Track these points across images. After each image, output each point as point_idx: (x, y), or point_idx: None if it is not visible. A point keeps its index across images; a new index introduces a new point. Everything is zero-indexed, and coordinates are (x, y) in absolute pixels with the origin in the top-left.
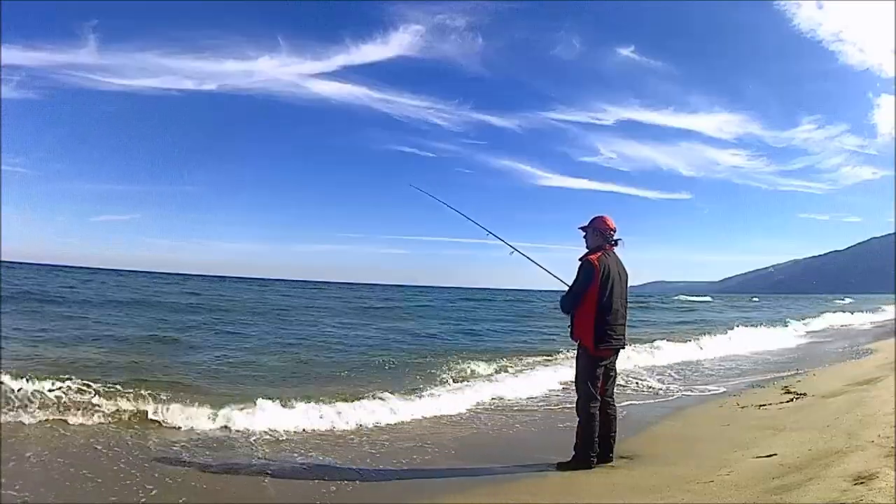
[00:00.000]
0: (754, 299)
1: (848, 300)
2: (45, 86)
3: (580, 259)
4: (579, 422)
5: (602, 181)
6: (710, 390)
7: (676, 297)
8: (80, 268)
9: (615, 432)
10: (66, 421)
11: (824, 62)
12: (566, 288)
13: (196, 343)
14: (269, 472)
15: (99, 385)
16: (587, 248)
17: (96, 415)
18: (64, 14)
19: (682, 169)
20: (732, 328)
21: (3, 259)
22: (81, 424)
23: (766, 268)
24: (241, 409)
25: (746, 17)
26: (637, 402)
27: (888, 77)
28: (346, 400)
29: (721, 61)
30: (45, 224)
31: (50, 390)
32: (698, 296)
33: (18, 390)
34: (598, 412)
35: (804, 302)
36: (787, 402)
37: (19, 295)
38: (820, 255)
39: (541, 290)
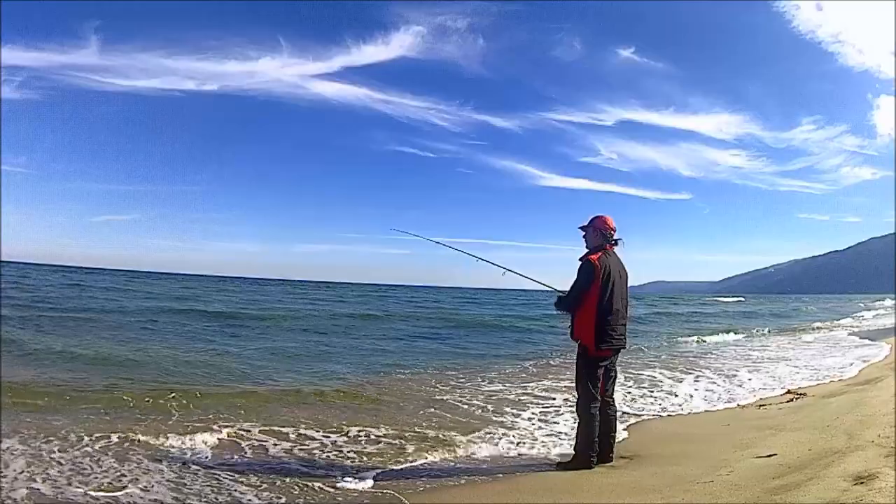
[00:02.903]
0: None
1: (889, 300)
2: (47, 86)
3: (581, 259)
4: (579, 422)
5: (602, 181)
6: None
7: (712, 299)
8: (80, 268)
9: (615, 432)
10: None
11: (824, 63)
12: (562, 291)
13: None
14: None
15: None
16: (587, 247)
17: None
18: (66, 15)
19: (682, 169)
20: None
21: (3, 259)
22: None
23: (766, 268)
24: None
25: (746, 18)
26: (637, 402)
27: (887, 78)
28: None
29: (721, 62)
30: (45, 224)
31: None
32: (728, 296)
33: None
34: (598, 412)
35: (837, 303)
36: (787, 402)
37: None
38: (820, 255)
39: (540, 291)
